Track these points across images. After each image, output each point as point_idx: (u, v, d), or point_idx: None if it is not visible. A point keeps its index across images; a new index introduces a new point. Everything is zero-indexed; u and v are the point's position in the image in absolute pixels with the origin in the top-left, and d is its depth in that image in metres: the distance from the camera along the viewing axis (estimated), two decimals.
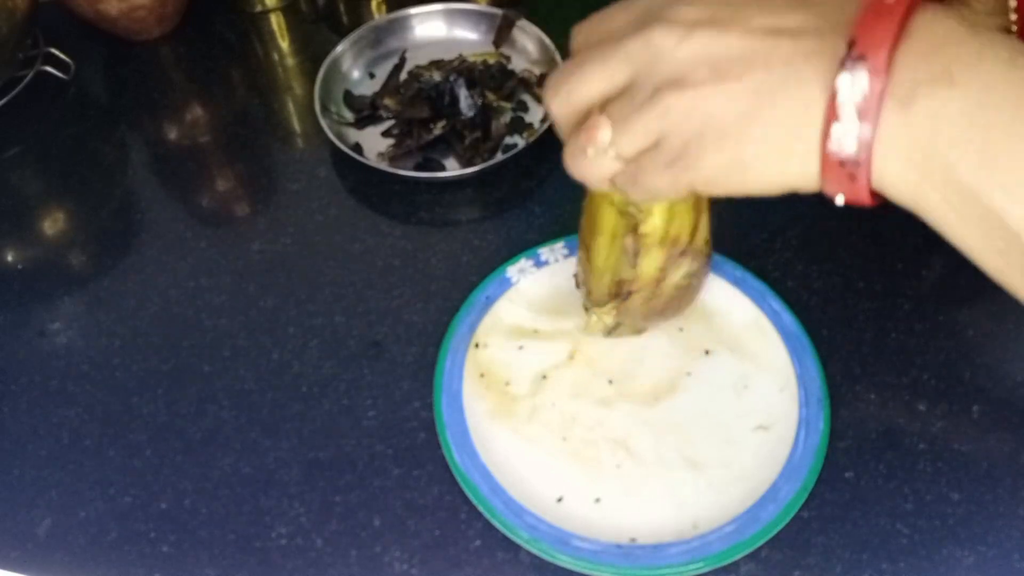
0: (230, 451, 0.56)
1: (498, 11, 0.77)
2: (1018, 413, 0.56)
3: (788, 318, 0.58)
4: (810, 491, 0.51)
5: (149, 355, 0.61)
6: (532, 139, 0.69)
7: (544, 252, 0.62)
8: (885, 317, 0.60)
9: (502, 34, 0.77)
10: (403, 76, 0.75)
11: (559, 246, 0.62)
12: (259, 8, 0.84)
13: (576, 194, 0.50)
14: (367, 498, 0.54)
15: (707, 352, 0.58)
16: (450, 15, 0.78)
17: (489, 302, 0.60)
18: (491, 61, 0.75)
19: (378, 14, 0.81)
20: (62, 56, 0.78)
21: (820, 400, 0.55)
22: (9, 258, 0.68)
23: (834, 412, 0.55)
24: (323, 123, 0.69)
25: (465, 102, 0.70)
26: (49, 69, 0.77)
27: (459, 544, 0.52)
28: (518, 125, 0.72)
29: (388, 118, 0.73)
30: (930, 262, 0.63)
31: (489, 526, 0.52)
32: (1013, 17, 0.47)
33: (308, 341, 0.61)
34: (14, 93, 0.75)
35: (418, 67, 0.75)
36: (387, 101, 0.72)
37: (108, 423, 0.58)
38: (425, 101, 0.71)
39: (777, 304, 0.59)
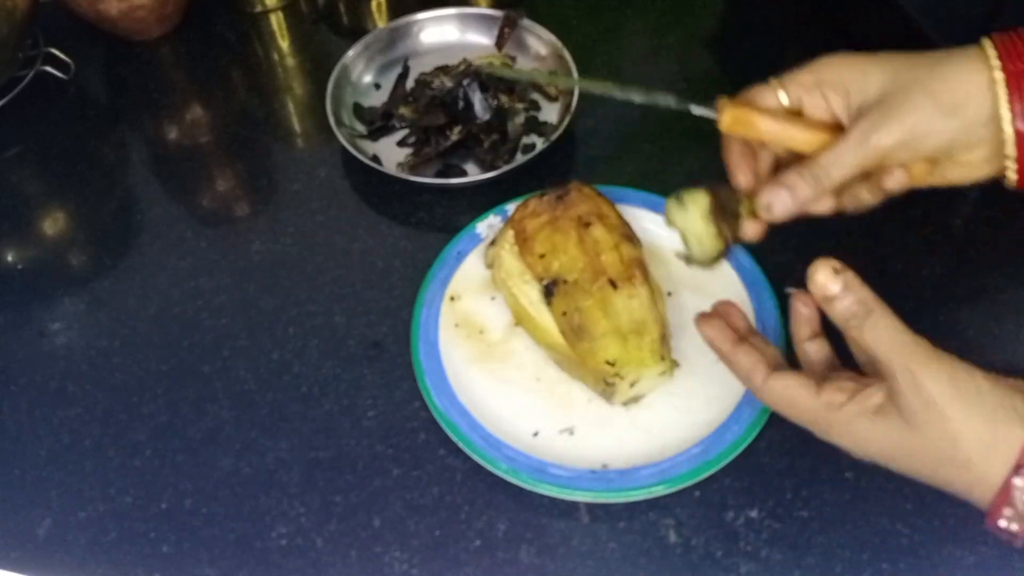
0: (230, 451, 0.56)
1: (499, 13, 0.77)
2: None
3: (744, 257, 0.61)
4: (769, 413, 0.53)
5: (149, 355, 0.61)
6: (553, 137, 0.68)
7: (511, 208, 0.63)
8: None
9: (504, 35, 0.77)
10: (409, 84, 0.75)
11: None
12: (259, 8, 0.84)
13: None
14: (367, 498, 0.54)
15: (669, 294, 0.61)
16: (459, 19, 0.78)
17: (460, 257, 0.62)
18: (497, 63, 0.75)
19: (378, 14, 0.81)
20: (62, 56, 0.78)
21: (776, 329, 0.57)
22: (9, 258, 0.68)
23: None
24: (339, 136, 0.68)
25: (480, 105, 0.70)
26: (49, 69, 0.77)
27: (459, 544, 0.52)
28: (533, 124, 0.72)
29: (402, 127, 0.72)
30: (930, 262, 0.63)
31: (490, 526, 0.53)
32: (1012, 165, 0.47)
33: (308, 341, 0.61)
34: (14, 93, 0.75)
35: (424, 74, 0.75)
36: (402, 111, 0.72)
37: (108, 423, 0.58)
38: (439, 108, 0.71)
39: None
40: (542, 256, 0.57)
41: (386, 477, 0.55)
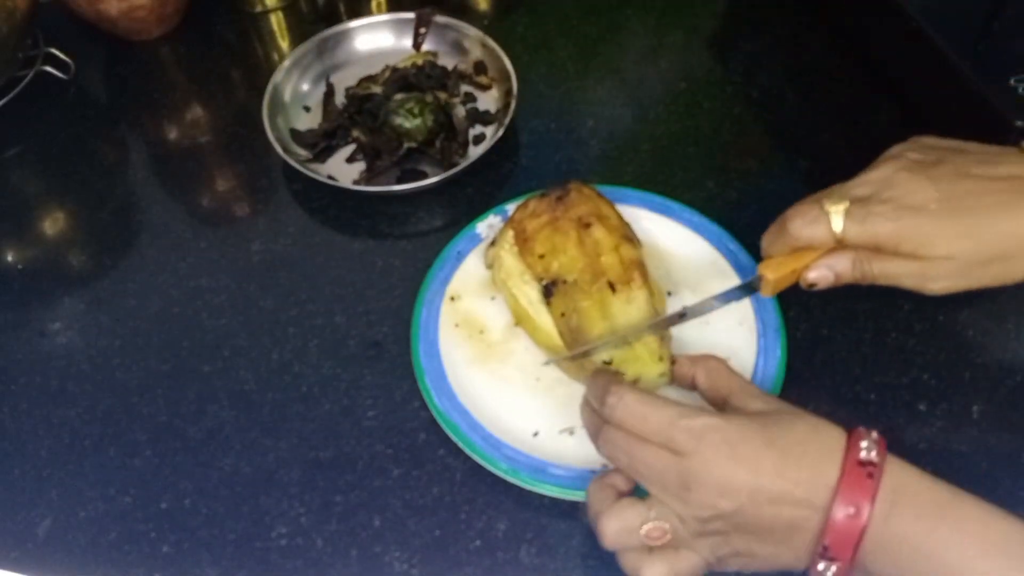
0: (230, 451, 0.56)
1: (411, 15, 0.76)
2: (1018, 413, 0.56)
3: (744, 257, 0.61)
4: None
5: (149, 355, 0.61)
6: (501, 131, 0.68)
7: (511, 208, 0.63)
8: (885, 317, 0.60)
9: (419, 34, 0.76)
10: (340, 102, 0.74)
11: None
12: (259, 8, 0.84)
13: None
14: (367, 498, 0.54)
15: (669, 294, 0.61)
16: (392, 25, 0.77)
17: (460, 257, 0.62)
18: (420, 63, 0.75)
19: (378, 14, 0.81)
20: (62, 56, 0.78)
21: (776, 330, 0.58)
22: (9, 258, 0.68)
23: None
24: (290, 160, 0.67)
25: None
26: (49, 69, 0.77)
27: (459, 544, 0.52)
28: (475, 114, 0.72)
29: (348, 144, 0.71)
30: None
31: (490, 526, 0.53)
32: None
33: (308, 341, 0.61)
34: (14, 93, 0.75)
35: (351, 88, 0.74)
36: (356, 134, 0.71)
37: (108, 423, 0.58)
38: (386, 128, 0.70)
39: (733, 245, 0.62)
40: (542, 256, 0.57)
41: (386, 477, 0.55)
